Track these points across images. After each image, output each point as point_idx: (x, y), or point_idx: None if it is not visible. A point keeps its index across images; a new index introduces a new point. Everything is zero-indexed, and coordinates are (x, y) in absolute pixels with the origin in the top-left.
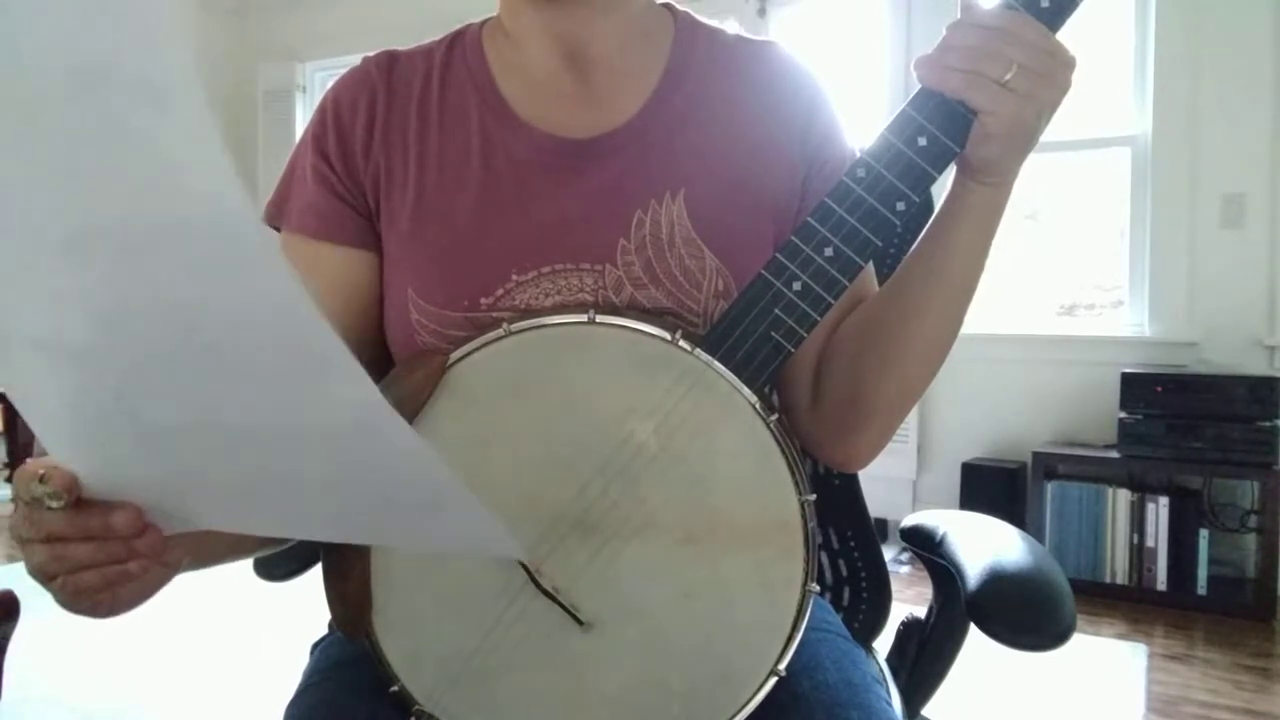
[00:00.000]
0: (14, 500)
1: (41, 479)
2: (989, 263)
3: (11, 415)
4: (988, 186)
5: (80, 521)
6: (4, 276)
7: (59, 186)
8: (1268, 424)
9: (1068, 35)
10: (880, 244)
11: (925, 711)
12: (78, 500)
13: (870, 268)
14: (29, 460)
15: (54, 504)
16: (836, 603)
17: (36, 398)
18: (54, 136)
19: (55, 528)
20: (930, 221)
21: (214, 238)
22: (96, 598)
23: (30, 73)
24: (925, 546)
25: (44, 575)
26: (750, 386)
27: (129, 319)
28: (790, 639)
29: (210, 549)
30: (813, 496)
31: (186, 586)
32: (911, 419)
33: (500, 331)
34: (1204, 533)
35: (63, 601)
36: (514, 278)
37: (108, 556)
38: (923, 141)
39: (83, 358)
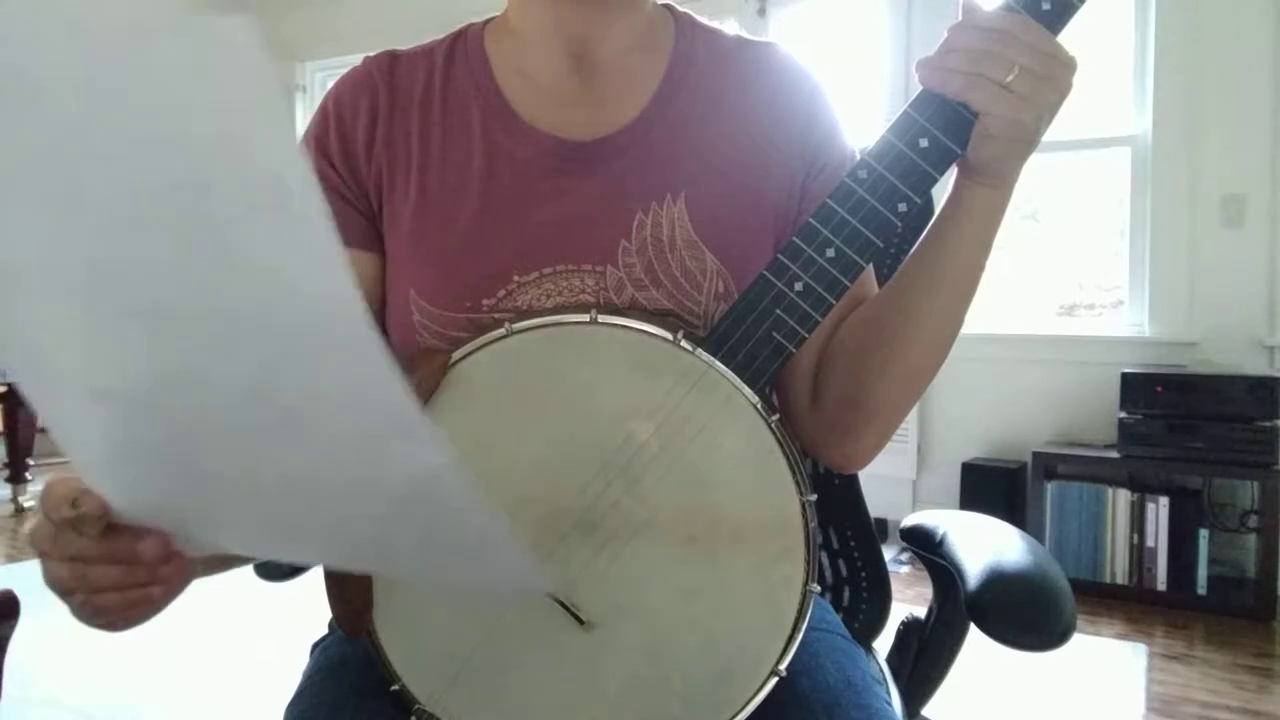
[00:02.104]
0: (37, 516)
1: (73, 503)
2: (989, 263)
3: (12, 415)
4: (989, 188)
5: (107, 546)
6: (76, 328)
7: (159, 267)
8: (1268, 424)
9: (1068, 36)
10: (881, 245)
11: (925, 711)
12: (107, 525)
13: (870, 269)
14: (57, 478)
15: (86, 529)
16: (836, 603)
17: (79, 436)
18: (163, 225)
19: (83, 550)
20: (931, 223)
21: (317, 331)
22: (113, 617)
23: (141, 167)
24: (925, 546)
25: (63, 590)
26: (751, 387)
27: (202, 383)
28: (791, 639)
29: (224, 558)
30: (814, 497)
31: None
32: (911, 419)
33: (502, 331)
34: (1204, 533)
35: (79, 616)
36: (515, 279)
37: (132, 580)
38: (924, 143)
39: (141, 408)
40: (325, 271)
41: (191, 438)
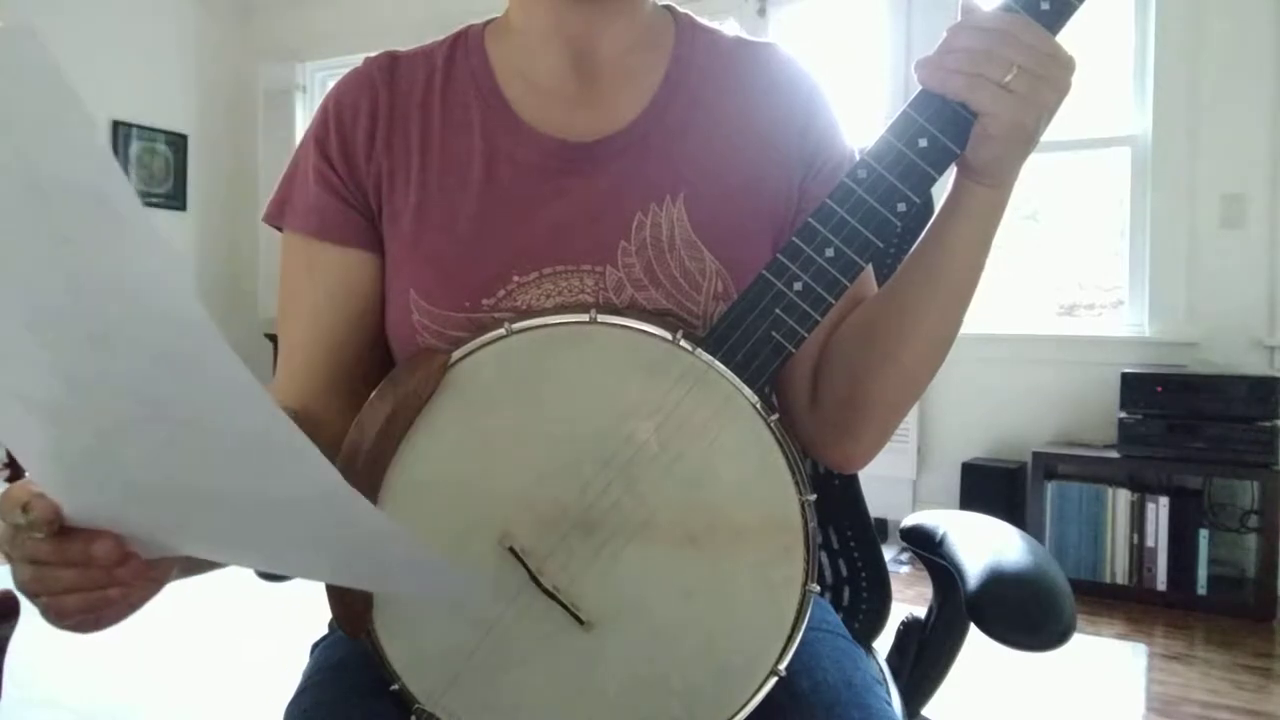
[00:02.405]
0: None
1: (24, 508)
2: (989, 263)
3: None
4: (987, 188)
5: (61, 548)
6: None
7: (21, 279)
8: (1268, 424)
9: (1067, 36)
10: (881, 245)
11: (925, 711)
12: (60, 528)
13: (869, 269)
14: (16, 483)
15: (36, 534)
16: (836, 603)
17: (22, 439)
18: (14, 236)
19: (38, 552)
20: (930, 223)
21: (171, 337)
22: (79, 618)
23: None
24: (925, 546)
25: (28, 593)
26: (751, 387)
27: (95, 390)
28: (790, 639)
29: (200, 560)
30: (813, 496)
31: (186, 587)
32: (911, 419)
33: (501, 331)
34: (1204, 533)
35: (47, 619)
36: (515, 279)
37: (89, 582)
38: (923, 143)
39: (57, 414)
40: (158, 283)
41: (114, 444)
